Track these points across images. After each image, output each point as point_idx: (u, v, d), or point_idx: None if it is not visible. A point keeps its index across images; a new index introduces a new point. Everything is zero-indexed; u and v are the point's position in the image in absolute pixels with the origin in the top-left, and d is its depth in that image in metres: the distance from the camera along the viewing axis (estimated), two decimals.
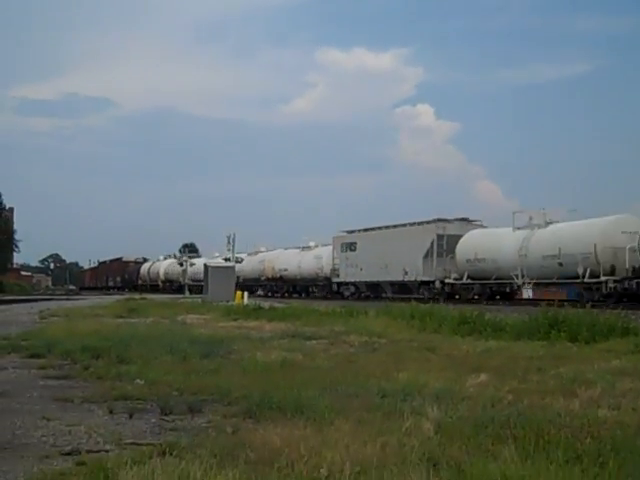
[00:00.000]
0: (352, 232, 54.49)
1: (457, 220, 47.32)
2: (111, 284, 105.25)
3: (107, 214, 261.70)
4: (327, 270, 57.31)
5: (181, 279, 77.56)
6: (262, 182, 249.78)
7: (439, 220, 46.79)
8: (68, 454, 6.34)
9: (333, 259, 55.31)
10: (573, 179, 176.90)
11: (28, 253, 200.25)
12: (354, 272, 50.55)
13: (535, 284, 39.09)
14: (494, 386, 9.43)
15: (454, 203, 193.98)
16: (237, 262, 58.27)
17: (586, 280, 35.59)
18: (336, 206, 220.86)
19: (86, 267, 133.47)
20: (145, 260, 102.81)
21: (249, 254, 71.69)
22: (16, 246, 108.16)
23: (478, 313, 20.52)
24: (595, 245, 35.43)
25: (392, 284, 48.32)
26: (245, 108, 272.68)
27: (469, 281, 43.08)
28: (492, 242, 42.38)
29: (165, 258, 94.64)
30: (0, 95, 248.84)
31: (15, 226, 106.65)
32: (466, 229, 45.73)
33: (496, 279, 41.18)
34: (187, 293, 67.83)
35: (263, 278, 70.43)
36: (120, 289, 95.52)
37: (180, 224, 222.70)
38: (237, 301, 42.34)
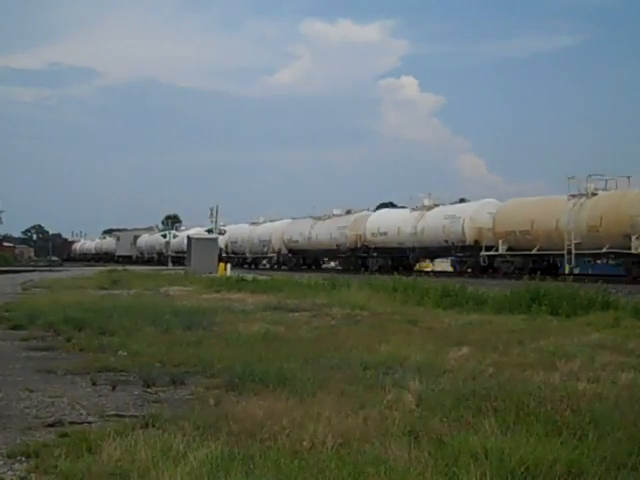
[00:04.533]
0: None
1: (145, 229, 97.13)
2: (65, 257, 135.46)
3: (91, 185, 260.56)
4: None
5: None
6: (245, 154, 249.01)
7: (135, 229, 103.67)
8: (51, 426, 6.35)
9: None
10: (557, 153, 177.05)
11: (10, 224, 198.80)
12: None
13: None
14: (475, 359, 9.49)
15: (438, 176, 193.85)
16: (220, 234, 58.07)
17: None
18: (320, 178, 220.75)
19: (69, 239, 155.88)
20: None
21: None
22: None
23: (460, 286, 20.61)
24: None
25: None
26: (229, 79, 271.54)
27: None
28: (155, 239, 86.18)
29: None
30: None
31: None
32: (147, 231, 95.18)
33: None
34: (170, 265, 67.45)
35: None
36: (68, 260, 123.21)
37: (164, 195, 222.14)
38: (220, 273, 42.33)
